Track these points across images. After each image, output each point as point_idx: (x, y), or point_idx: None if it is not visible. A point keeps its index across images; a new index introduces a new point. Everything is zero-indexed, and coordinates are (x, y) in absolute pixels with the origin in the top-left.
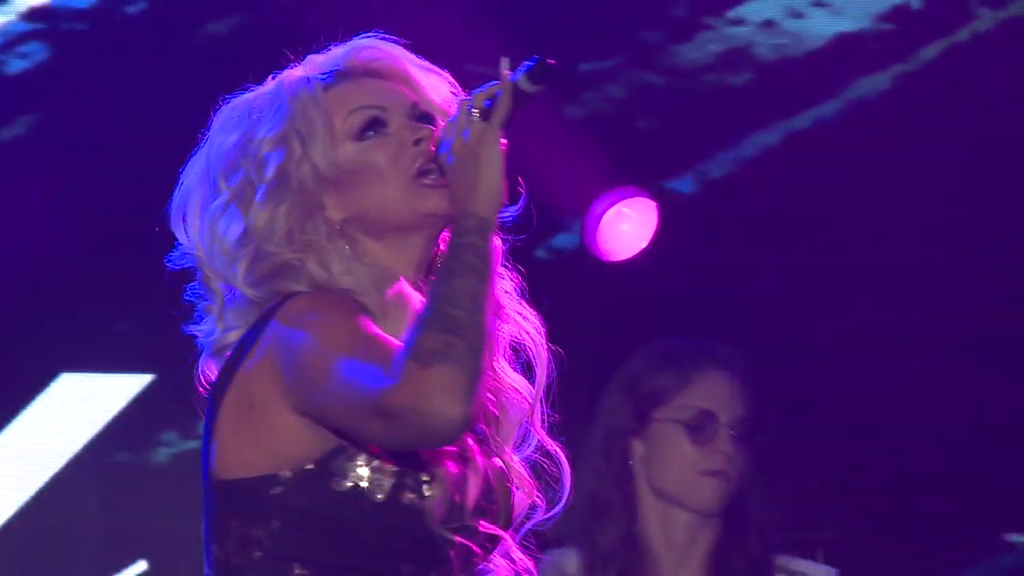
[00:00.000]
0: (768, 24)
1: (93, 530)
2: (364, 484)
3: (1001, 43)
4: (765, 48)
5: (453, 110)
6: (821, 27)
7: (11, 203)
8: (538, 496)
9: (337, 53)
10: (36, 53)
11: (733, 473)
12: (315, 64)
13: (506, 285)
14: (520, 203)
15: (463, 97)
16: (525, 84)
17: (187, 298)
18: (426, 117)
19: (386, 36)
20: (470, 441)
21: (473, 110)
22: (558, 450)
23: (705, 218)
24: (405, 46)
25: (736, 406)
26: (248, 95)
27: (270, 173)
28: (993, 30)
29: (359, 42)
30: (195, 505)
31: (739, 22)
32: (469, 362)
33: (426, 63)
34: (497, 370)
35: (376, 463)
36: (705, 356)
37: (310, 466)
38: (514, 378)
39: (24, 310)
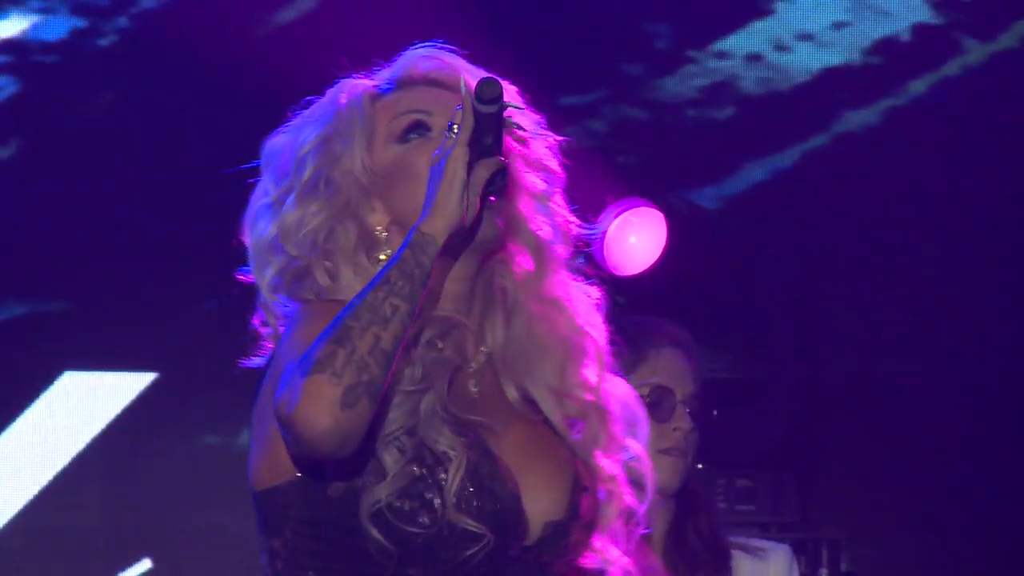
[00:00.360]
0: (753, 57)
1: (97, 528)
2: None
3: (991, 76)
4: (750, 82)
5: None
6: (807, 61)
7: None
8: (631, 498)
9: (397, 62)
10: (7, 87)
11: (689, 451)
12: (376, 74)
13: (590, 293)
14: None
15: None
16: (478, 104)
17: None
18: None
19: (444, 45)
20: (489, 440)
21: (453, 127)
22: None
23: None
24: (463, 56)
25: (689, 382)
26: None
27: (305, 174)
28: (983, 63)
29: (417, 51)
30: (199, 503)
31: (724, 55)
32: (349, 374)
33: (483, 72)
34: (587, 371)
35: None
36: (657, 333)
37: (301, 473)
38: (611, 381)
39: (27, 308)
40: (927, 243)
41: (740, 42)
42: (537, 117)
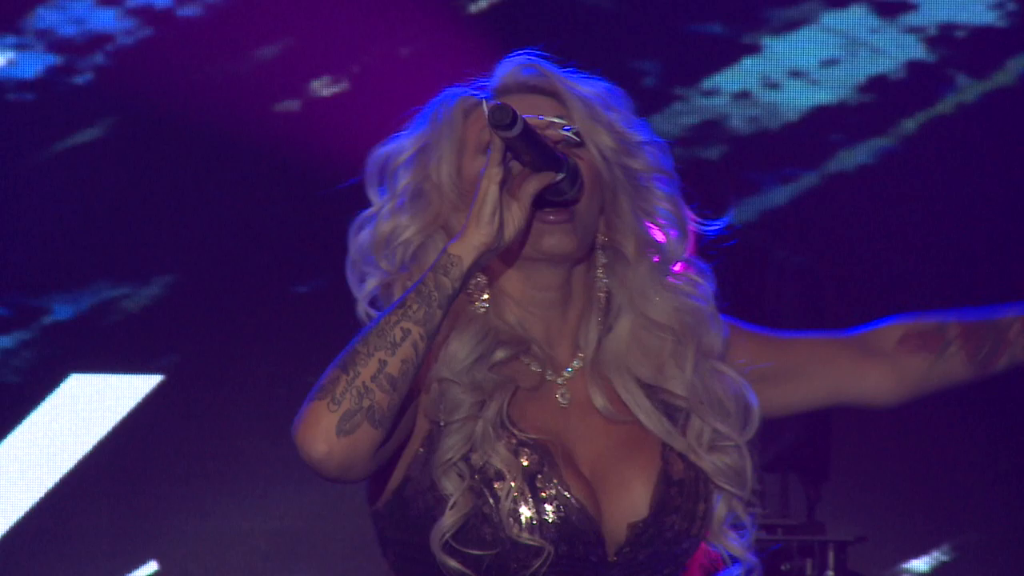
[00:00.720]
0: (743, 95)
1: (103, 530)
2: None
3: (985, 114)
4: (740, 120)
5: (602, 130)
6: (798, 99)
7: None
8: (740, 503)
9: (496, 71)
10: None
11: None
12: (478, 83)
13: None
14: None
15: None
16: (495, 131)
17: None
18: (564, 138)
19: (543, 54)
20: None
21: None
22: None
23: None
24: (561, 64)
25: None
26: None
27: (399, 186)
28: (977, 101)
29: (514, 59)
30: (204, 506)
31: (713, 93)
32: (348, 400)
33: (583, 85)
34: (691, 368)
35: None
36: None
37: (390, 496)
38: (724, 382)
39: (34, 311)
40: (921, 282)
41: (729, 79)
42: (639, 120)
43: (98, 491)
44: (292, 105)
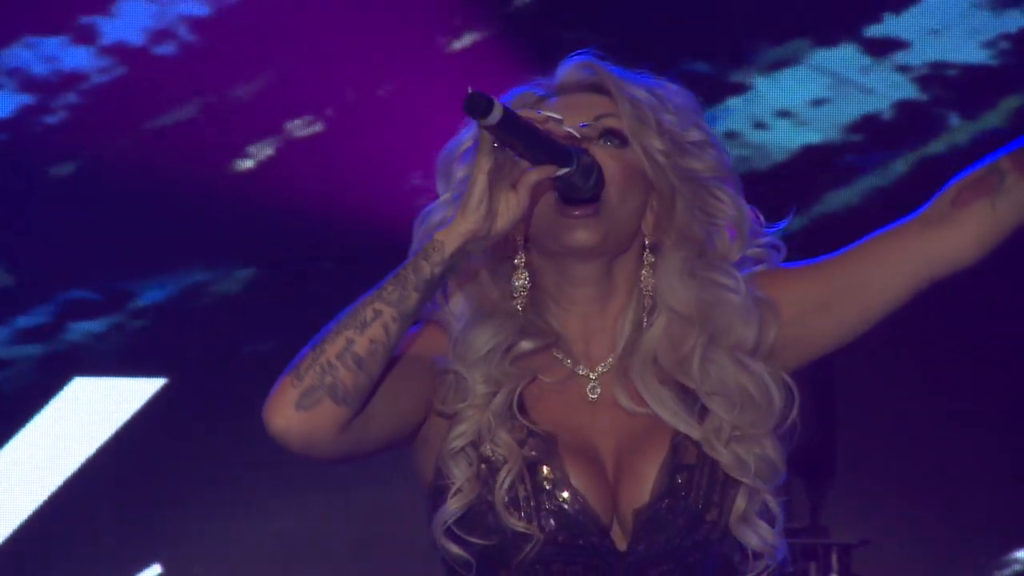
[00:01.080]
0: (730, 135)
1: (107, 533)
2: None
3: (977, 155)
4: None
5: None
6: (787, 139)
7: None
8: (764, 496)
9: (559, 68)
10: None
11: None
12: (535, 83)
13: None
14: None
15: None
16: (478, 120)
17: None
18: (611, 133)
19: (601, 54)
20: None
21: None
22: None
23: None
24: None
25: None
26: None
27: (452, 179)
28: (968, 142)
29: (572, 59)
30: (209, 508)
31: None
32: (310, 376)
33: (638, 85)
34: (717, 361)
35: None
36: None
37: (428, 488)
38: (751, 376)
39: (38, 315)
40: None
41: (717, 119)
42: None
43: (102, 494)
44: (267, 148)
